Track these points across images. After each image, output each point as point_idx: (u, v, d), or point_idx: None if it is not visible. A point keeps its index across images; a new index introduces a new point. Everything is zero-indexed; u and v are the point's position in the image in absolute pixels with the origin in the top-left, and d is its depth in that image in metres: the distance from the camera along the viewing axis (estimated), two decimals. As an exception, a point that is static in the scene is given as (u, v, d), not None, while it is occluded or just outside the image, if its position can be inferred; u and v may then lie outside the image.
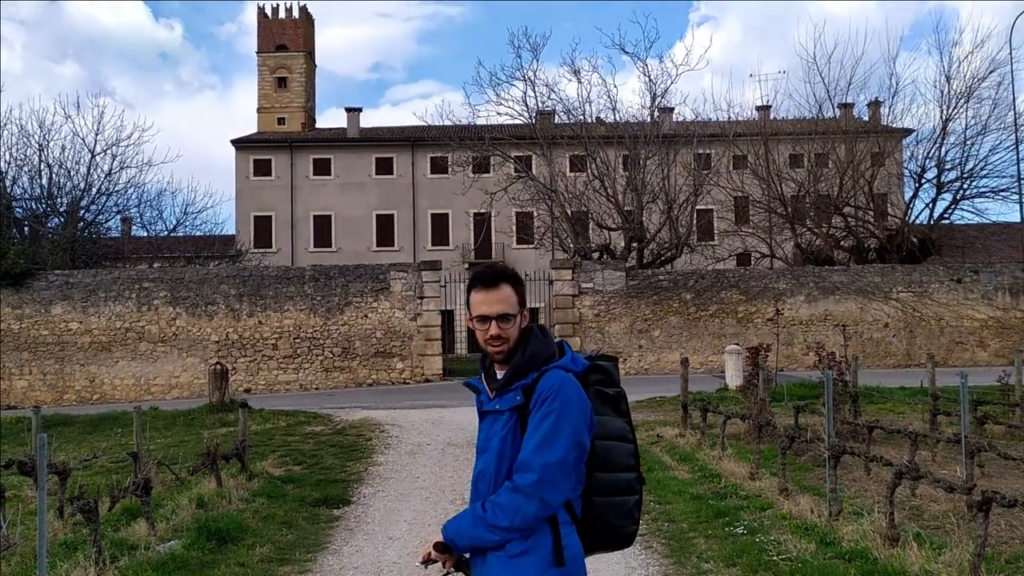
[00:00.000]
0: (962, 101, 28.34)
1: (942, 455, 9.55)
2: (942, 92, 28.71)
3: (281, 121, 51.13)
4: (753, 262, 33.61)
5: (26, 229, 29.45)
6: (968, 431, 7.04)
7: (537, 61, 32.58)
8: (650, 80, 29.74)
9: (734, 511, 7.38)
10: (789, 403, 12.92)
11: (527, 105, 29.96)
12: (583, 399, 2.45)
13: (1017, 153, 26.39)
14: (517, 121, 30.64)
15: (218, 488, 8.63)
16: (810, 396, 14.20)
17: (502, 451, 2.46)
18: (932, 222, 29.48)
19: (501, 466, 2.46)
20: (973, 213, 30.53)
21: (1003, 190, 28.93)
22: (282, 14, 53.00)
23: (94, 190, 30.87)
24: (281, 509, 8.12)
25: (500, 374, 2.57)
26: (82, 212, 30.54)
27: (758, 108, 34.31)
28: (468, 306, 2.59)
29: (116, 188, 31.65)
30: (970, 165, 28.83)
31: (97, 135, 30.70)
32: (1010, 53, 26.99)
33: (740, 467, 9.08)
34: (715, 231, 35.94)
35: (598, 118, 30.55)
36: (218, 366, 17.90)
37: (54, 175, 30.24)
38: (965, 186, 29.19)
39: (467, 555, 2.50)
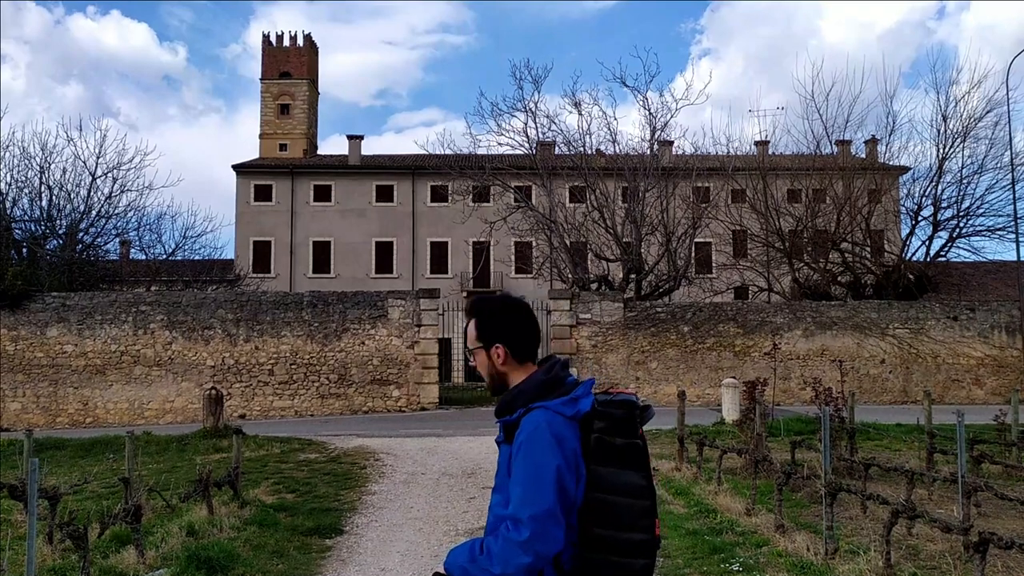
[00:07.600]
0: (959, 140, 28.57)
1: (939, 494, 9.50)
2: (939, 131, 28.98)
3: (283, 147, 51.45)
4: (751, 296, 33.67)
5: (24, 251, 29.44)
6: (965, 470, 7.01)
7: (538, 93, 32.82)
8: (650, 113, 30.05)
9: (730, 547, 7.33)
10: (786, 438, 12.88)
11: (528, 136, 30.23)
12: (564, 443, 2.29)
13: (1014, 192, 26.51)
14: (518, 151, 30.86)
15: (209, 516, 8.56)
16: (807, 431, 14.16)
17: (503, 477, 2.44)
18: (928, 259, 29.56)
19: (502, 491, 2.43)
20: (969, 251, 30.54)
21: (999, 229, 28.97)
22: (286, 42, 53.56)
23: (94, 213, 30.91)
24: (273, 538, 8.05)
25: None
26: (81, 234, 30.57)
27: (757, 143, 34.57)
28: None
29: (116, 211, 31.70)
30: (966, 203, 28.97)
31: (99, 158, 30.77)
32: (1007, 93, 27.10)
33: (736, 502, 9.03)
34: (713, 264, 36.07)
35: (598, 150, 30.77)
36: (213, 391, 17.82)
37: (54, 197, 30.29)
38: (961, 224, 29.29)
39: None
